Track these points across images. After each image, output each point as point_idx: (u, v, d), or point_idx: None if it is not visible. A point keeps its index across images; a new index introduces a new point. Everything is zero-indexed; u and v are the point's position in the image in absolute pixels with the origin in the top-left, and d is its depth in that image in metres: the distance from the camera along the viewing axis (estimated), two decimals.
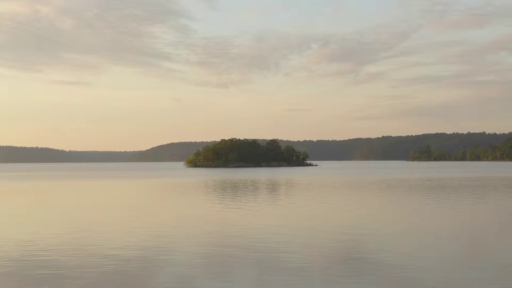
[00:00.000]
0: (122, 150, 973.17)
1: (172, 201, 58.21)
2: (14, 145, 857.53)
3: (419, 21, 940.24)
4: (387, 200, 54.23)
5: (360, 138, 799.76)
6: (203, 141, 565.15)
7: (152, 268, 20.76)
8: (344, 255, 23.32)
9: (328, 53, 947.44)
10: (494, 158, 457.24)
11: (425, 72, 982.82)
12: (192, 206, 50.81)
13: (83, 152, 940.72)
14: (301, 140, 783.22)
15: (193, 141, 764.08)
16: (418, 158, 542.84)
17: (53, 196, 70.50)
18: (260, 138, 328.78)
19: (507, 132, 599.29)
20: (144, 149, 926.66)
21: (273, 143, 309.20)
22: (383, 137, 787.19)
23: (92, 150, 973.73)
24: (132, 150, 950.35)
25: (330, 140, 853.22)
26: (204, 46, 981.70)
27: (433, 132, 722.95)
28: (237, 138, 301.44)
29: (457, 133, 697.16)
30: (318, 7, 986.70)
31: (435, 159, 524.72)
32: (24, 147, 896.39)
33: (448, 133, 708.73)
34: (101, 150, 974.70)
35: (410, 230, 31.81)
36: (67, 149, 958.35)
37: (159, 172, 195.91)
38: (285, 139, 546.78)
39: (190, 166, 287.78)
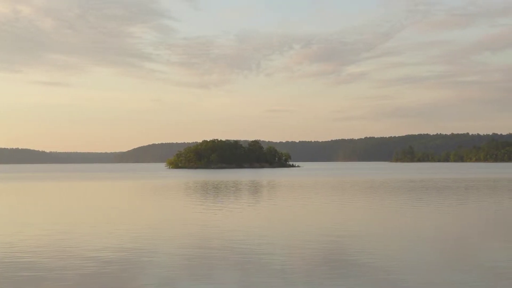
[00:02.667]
0: (103, 151, 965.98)
1: (153, 202, 57.99)
2: None
3: (402, 21, 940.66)
4: (369, 202, 54.44)
5: (342, 139, 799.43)
6: (184, 142, 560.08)
7: (133, 270, 20.60)
8: (326, 256, 23.30)
9: (310, 54, 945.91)
10: (478, 159, 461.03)
11: (408, 73, 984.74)
12: (174, 207, 50.66)
13: (63, 153, 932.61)
14: (283, 141, 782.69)
15: (174, 142, 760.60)
16: (401, 159, 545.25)
17: (33, 197, 69.90)
18: (242, 139, 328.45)
19: (490, 133, 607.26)
20: (125, 150, 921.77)
21: (255, 144, 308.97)
22: (366, 138, 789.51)
23: (73, 151, 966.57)
24: (113, 151, 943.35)
25: (313, 141, 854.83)
26: (185, 46, 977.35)
27: (416, 133, 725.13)
28: (218, 139, 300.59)
29: (440, 134, 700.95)
30: (300, 7, 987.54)
31: (419, 160, 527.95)
32: (4, 148, 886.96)
33: (431, 134, 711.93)
34: (82, 151, 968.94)
35: (393, 231, 31.94)
36: (47, 150, 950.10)
37: (140, 173, 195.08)
38: (267, 140, 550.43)
39: (172, 167, 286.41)
